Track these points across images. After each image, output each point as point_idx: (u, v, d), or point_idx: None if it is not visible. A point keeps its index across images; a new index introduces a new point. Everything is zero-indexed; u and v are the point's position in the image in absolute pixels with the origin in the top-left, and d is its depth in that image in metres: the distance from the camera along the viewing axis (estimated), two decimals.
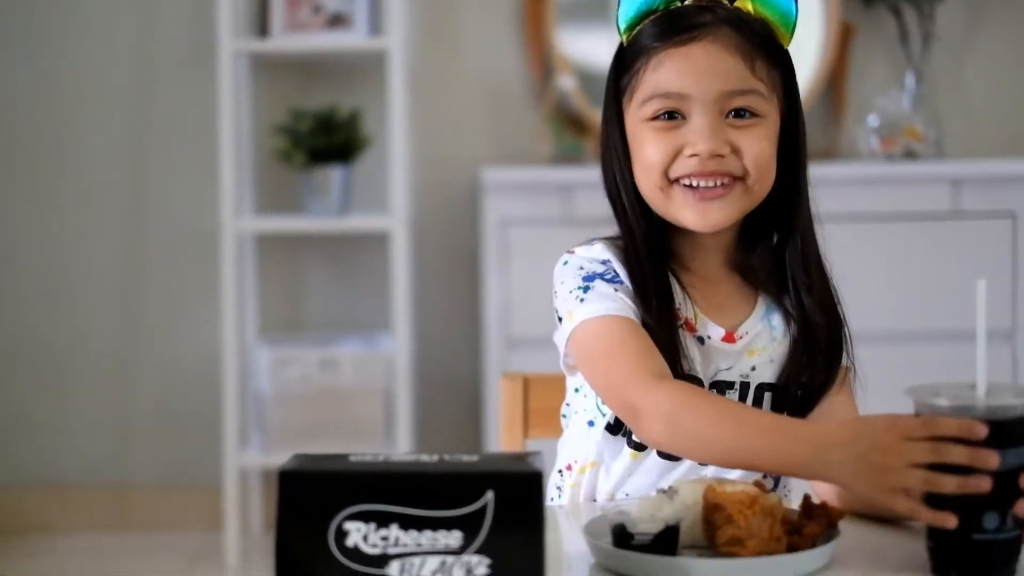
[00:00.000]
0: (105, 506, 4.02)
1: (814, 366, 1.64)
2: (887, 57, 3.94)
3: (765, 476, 1.65)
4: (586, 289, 1.61)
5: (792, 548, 1.31)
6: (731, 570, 1.28)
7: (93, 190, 4.00)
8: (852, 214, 3.52)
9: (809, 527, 1.33)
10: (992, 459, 1.26)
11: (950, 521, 1.27)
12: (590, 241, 1.68)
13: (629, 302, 1.59)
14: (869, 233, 3.51)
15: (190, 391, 4.01)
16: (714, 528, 1.30)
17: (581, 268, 1.64)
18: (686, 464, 1.62)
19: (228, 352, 3.71)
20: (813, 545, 1.32)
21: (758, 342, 1.65)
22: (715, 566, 1.28)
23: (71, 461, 4.04)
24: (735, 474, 1.57)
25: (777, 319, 1.68)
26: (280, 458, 3.50)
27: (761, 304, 1.68)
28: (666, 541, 1.30)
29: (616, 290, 1.60)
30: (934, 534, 1.31)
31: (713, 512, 1.30)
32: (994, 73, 3.98)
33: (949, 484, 1.27)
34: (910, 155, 3.69)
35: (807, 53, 3.87)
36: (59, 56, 3.98)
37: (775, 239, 1.69)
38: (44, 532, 3.98)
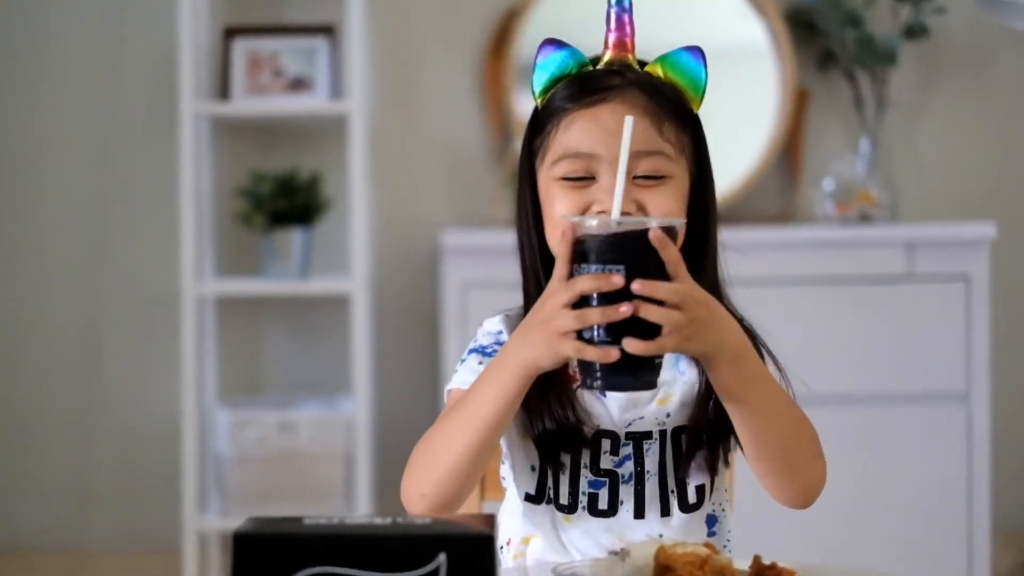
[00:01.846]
0: (63, 570, 3.99)
1: (720, 405, 1.62)
2: (842, 122, 3.99)
3: (711, 533, 1.67)
4: (463, 361, 1.72)
5: None
6: None
7: (53, 252, 4.00)
8: (807, 277, 3.55)
9: None
10: (613, 283, 1.43)
11: (612, 355, 1.43)
12: (498, 312, 1.76)
13: None
14: (824, 296, 3.55)
15: (149, 453, 4.00)
16: None
17: (476, 340, 1.74)
18: (621, 518, 1.65)
19: (187, 415, 3.71)
20: None
21: (670, 389, 1.67)
22: None
23: (29, 524, 4.02)
24: (687, 536, 1.59)
25: (684, 364, 1.70)
26: (239, 521, 3.49)
27: (670, 354, 1.70)
28: None
29: (480, 363, 1.68)
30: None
31: (664, 573, 1.32)
32: (947, 138, 4.03)
33: (594, 315, 1.43)
34: (865, 219, 3.73)
35: (763, 117, 3.92)
36: (20, 118, 3.99)
37: None
38: None
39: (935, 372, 3.55)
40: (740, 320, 1.71)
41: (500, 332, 1.74)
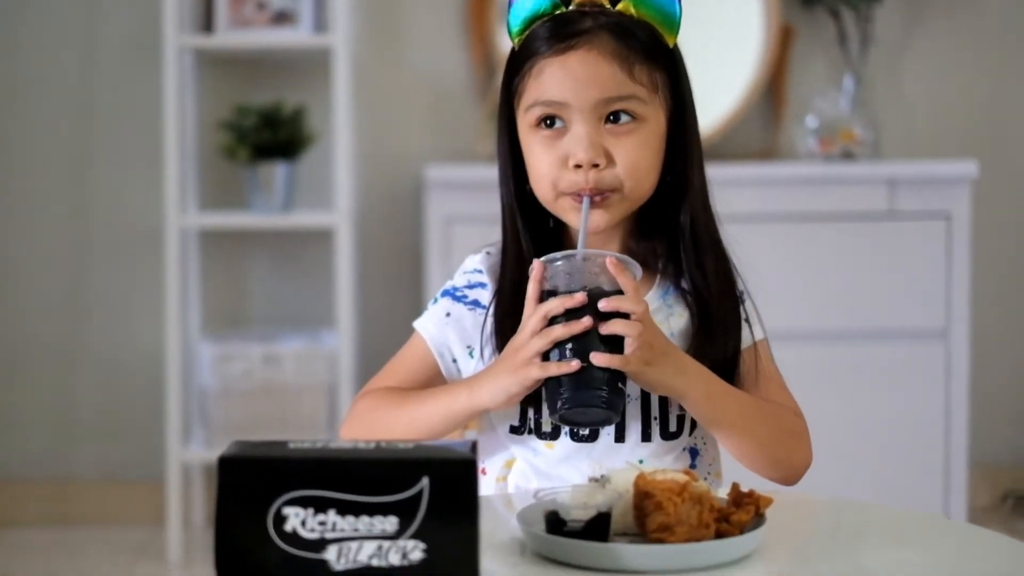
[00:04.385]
0: (48, 500, 4.02)
1: (712, 338, 1.69)
2: (826, 59, 3.99)
3: (693, 466, 1.70)
4: (435, 300, 1.77)
5: (720, 535, 1.34)
6: (660, 556, 1.31)
7: (37, 185, 4.00)
8: (789, 213, 3.57)
9: (737, 515, 1.36)
10: (576, 299, 1.53)
11: (573, 365, 1.51)
12: (482, 247, 1.79)
13: (443, 327, 1.75)
14: (806, 233, 3.56)
15: (133, 386, 4.01)
16: (644, 515, 1.34)
17: (452, 278, 1.78)
18: (602, 443, 1.67)
19: (171, 347, 3.72)
20: (741, 532, 1.35)
21: (656, 316, 1.67)
22: (645, 552, 1.31)
23: (14, 455, 4.03)
24: (667, 466, 1.62)
25: (673, 297, 1.73)
26: None
27: (659, 285, 1.73)
28: (598, 528, 1.33)
29: (448, 313, 1.75)
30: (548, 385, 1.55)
31: (643, 499, 1.34)
32: (931, 76, 4.04)
33: (557, 330, 1.53)
34: (847, 156, 3.74)
35: (747, 54, 3.92)
36: (3, 51, 3.97)
37: (669, 229, 1.74)
38: None
39: (915, 309, 3.57)
40: (727, 258, 1.73)
41: (478, 271, 1.77)
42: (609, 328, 1.52)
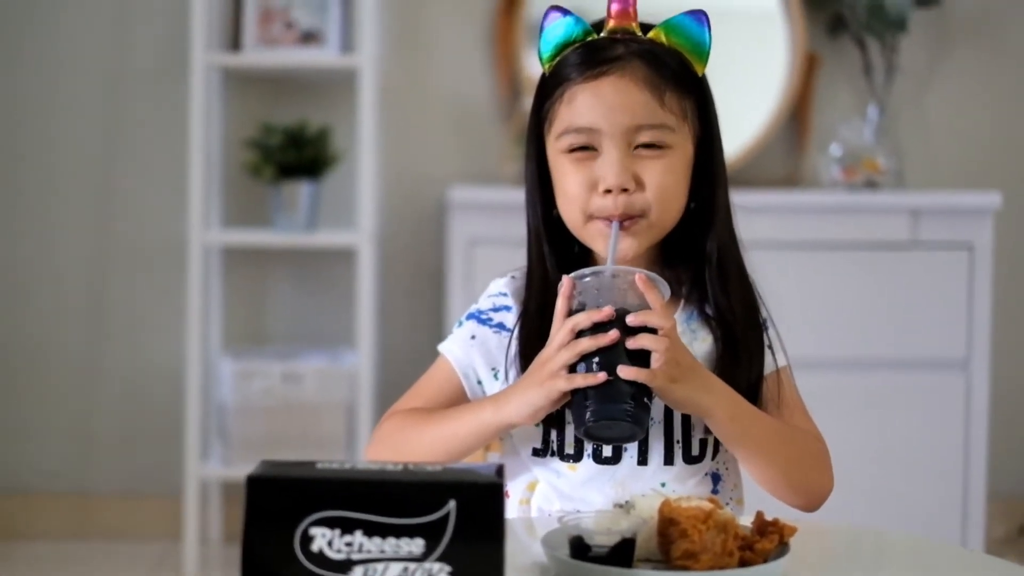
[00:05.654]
0: (66, 514, 4.02)
1: (736, 364, 1.69)
2: (851, 88, 3.99)
3: (715, 491, 1.70)
4: (460, 324, 1.77)
5: (744, 563, 1.34)
6: None
7: (62, 199, 4.01)
8: (813, 242, 3.56)
9: (761, 543, 1.36)
10: (604, 312, 1.53)
11: (599, 376, 1.51)
12: (507, 272, 1.80)
13: (468, 350, 1.75)
14: (828, 261, 3.56)
15: (153, 401, 4.02)
16: (669, 542, 1.34)
17: (476, 302, 1.79)
18: (625, 465, 1.67)
19: (192, 363, 3.73)
20: (765, 561, 1.35)
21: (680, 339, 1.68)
22: None
23: (33, 468, 4.04)
24: (689, 490, 1.62)
25: (697, 322, 1.73)
26: (241, 469, 3.52)
27: (683, 310, 1.74)
28: (622, 554, 1.33)
29: (473, 336, 1.75)
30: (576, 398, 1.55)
31: (668, 526, 1.34)
32: (955, 106, 4.04)
33: (584, 343, 1.53)
34: (871, 185, 3.74)
35: (772, 81, 3.92)
36: (32, 66, 3.99)
37: (694, 256, 1.74)
38: (4, 539, 3.99)
39: (936, 339, 3.57)
40: (751, 285, 1.73)
41: (503, 294, 1.77)
42: (636, 342, 1.52)
